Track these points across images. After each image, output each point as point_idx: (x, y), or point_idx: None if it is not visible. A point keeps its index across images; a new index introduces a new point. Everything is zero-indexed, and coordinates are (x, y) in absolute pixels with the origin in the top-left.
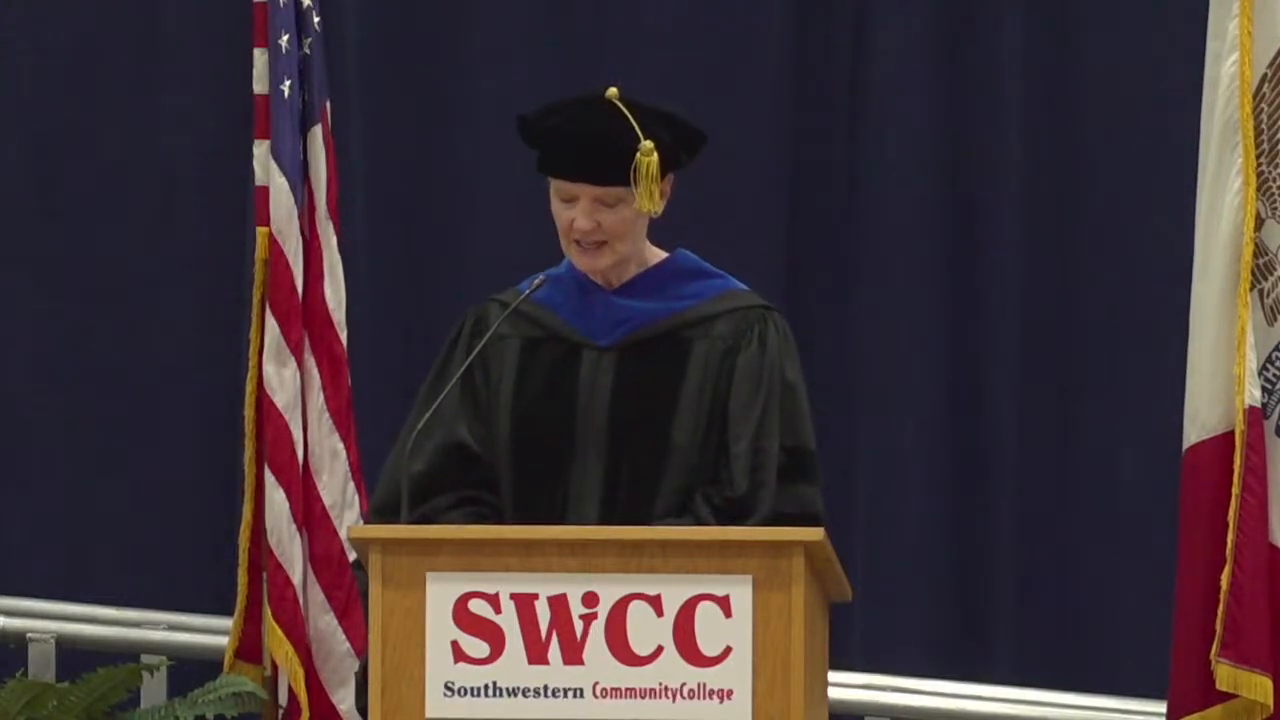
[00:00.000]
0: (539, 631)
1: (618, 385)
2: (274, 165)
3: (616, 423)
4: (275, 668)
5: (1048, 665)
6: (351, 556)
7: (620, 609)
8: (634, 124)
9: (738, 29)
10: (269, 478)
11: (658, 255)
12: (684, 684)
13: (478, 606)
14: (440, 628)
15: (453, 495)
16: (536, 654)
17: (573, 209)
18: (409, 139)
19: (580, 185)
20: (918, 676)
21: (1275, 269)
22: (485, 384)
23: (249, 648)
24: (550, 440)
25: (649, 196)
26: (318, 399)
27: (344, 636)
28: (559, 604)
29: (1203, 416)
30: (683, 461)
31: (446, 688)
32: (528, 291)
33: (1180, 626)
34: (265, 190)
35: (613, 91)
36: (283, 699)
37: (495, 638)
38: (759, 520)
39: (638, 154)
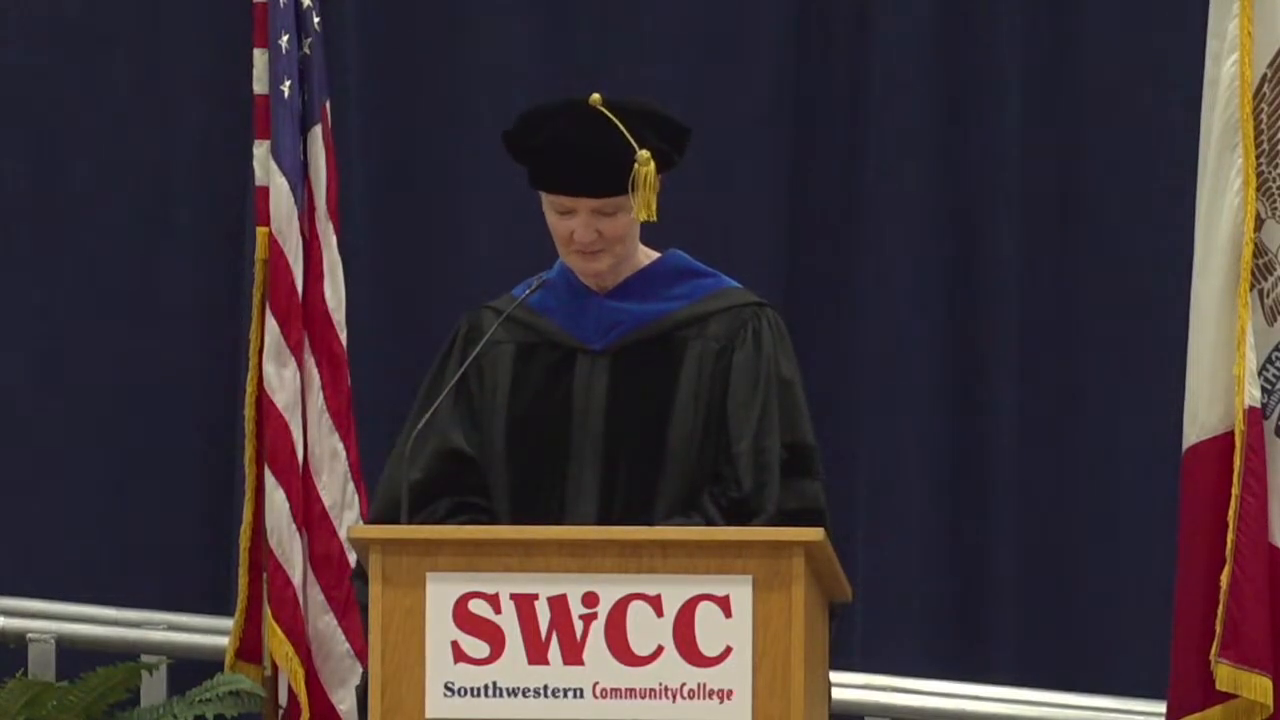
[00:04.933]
0: (539, 632)
1: (613, 389)
2: (274, 165)
3: (613, 426)
4: (275, 668)
5: (1048, 665)
6: (352, 557)
7: (620, 609)
8: (625, 133)
9: (737, 27)
10: (269, 478)
11: (650, 256)
12: (684, 684)
13: (478, 607)
14: (440, 628)
15: (449, 501)
16: (536, 654)
17: (571, 220)
18: (409, 139)
19: (578, 199)
20: (918, 676)
21: (1275, 269)
22: (480, 390)
23: (249, 648)
24: (547, 445)
25: (647, 206)
26: (318, 399)
27: (344, 636)
28: (559, 604)
29: (1202, 417)
30: (680, 463)
31: (446, 688)
32: (525, 294)
33: (1180, 626)
34: (265, 190)
35: (595, 98)
36: (283, 699)
37: (495, 638)
38: (765, 520)
39: (635, 164)
